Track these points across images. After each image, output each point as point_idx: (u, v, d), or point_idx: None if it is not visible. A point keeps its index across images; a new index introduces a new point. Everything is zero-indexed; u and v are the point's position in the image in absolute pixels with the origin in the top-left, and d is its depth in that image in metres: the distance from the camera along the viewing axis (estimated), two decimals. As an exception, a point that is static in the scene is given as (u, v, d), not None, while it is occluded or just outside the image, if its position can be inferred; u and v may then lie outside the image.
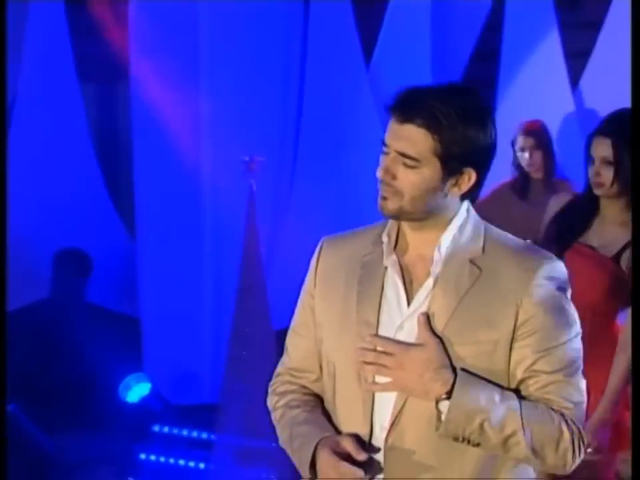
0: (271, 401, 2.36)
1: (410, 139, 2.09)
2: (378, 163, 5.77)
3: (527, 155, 5.53)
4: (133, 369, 5.68)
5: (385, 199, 2.13)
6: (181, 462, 5.51)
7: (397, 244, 2.20)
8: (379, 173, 2.14)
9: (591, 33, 6.41)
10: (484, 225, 2.22)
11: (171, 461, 5.50)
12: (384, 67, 6.67)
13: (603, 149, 3.44)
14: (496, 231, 2.26)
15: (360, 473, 2.07)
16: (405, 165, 2.10)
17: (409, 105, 2.10)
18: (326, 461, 2.11)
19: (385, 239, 2.19)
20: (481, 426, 2.06)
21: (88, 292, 5.78)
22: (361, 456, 2.08)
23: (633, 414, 3.12)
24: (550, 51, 6.46)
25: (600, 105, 6.05)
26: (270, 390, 2.37)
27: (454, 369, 2.07)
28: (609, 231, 3.57)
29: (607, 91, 6.31)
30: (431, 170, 2.10)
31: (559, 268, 2.20)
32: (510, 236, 2.30)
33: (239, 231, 5.81)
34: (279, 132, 6.49)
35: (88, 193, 6.13)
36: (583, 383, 2.17)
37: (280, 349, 4.80)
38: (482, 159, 2.16)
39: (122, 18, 6.21)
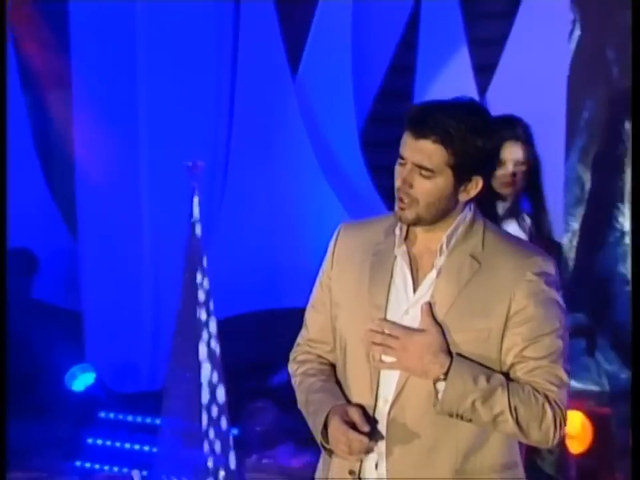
0: (291, 368, 2.54)
1: (426, 152, 2.24)
2: (302, 166, 5.94)
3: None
4: (77, 360, 5.89)
5: (403, 209, 2.29)
6: (127, 445, 5.67)
7: (407, 236, 2.35)
8: (398, 183, 2.28)
9: (497, 49, 6.62)
10: (484, 223, 2.37)
11: (117, 444, 5.67)
12: (309, 78, 6.90)
13: (515, 151, 3.65)
14: (495, 228, 2.44)
15: (365, 440, 2.23)
16: (421, 175, 2.25)
17: (424, 123, 2.25)
18: (336, 428, 2.27)
19: (397, 231, 2.33)
20: (473, 405, 2.20)
21: (34, 289, 5.96)
22: (365, 428, 2.23)
23: (633, 414, 3.25)
24: (460, 64, 6.72)
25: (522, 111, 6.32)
26: (291, 358, 2.55)
27: (451, 354, 2.21)
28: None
29: (511, 101, 6.37)
30: (444, 179, 2.27)
31: (550, 265, 2.34)
32: (507, 233, 2.53)
33: (176, 230, 5.89)
34: (211, 137, 6.66)
35: (31, 196, 6.26)
36: (566, 368, 2.29)
37: (222, 337, 5.06)
38: (487, 166, 2.38)
39: (61, 22, 6.25)
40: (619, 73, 7.01)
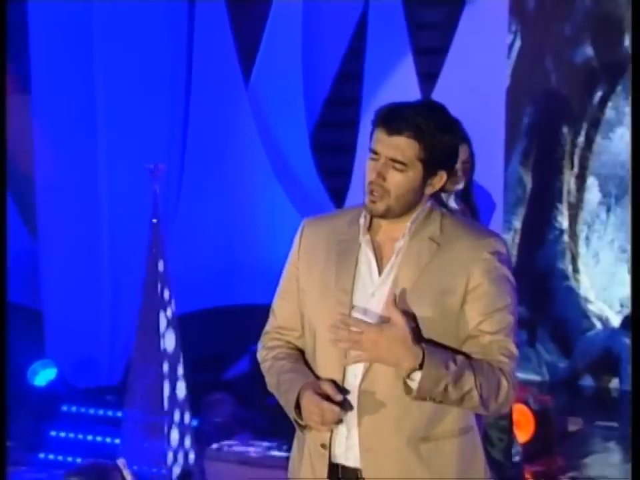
0: (260, 354, 2.65)
1: (399, 147, 2.40)
2: (255, 168, 6.00)
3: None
4: (38, 357, 6.01)
5: (374, 202, 2.42)
6: (89, 437, 5.78)
7: (370, 226, 2.49)
8: (371, 176, 2.43)
9: (440, 57, 6.95)
10: (440, 210, 2.53)
11: (80, 436, 5.78)
12: (261, 85, 7.19)
13: (463, 151, 3.82)
14: (451, 215, 2.60)
15: (337, 409, 2.35)
16: (394, 169, 2.40)
17: (398, 120, 2.40)
18: (309, 400, 2.40)
19: (362, 221, 2.47)
20: (446, 389, 2.34)
21: (-6, 288, 6.04)
22: (338, 397, 2.36)
23: (633, 414, 3.32)
24: (405, 72, 7.00)
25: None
26: (260, 345, 2.67)
27: (421, 343, 2.33)
28: None
29: (453, 108, 6.90)
30: (415, 172, 2.42)
31: (502, 245, 2.51)
32: (463, 219, 2.71)
33: (134, 229, 6.13)
34: (167, 141, 6.80)
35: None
36: (516, 342, 2.45)
37: (181, 334, 5.21)
38: (451, 162, 2.52)
39: (19, 27, 6.31)
40: (557, 80, 7.45)
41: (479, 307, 2.40)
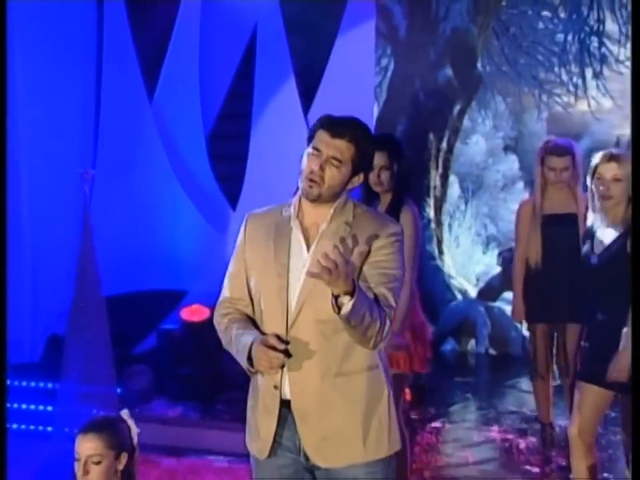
0: (216, 319, 2.93)
1: (339, 148, 2.71)
2: (160, 174, 6.27)
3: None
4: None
5: (311, 187, 2.73)
6: (32, 407, 5.99)
7: (298, 213, 2.80)
8: (313, 167, 2.71)
9: (317, 78, 7.32)
10: (353, 202, 2.84)
11: (23, 406, 6.00)
12: (163, 102, 7.46)
13: (382, 159, 3.99)
14: (361, 205, 2.89)
15: (281, 355, 2.65)
16: (332, 164, 2.71)
17: (341, 126, 2.72)
18: (258, 350, 2.68)
19: (291, 209, 2.80)
20: (364, 316, 2.62)
21: None
22: (281, 346, 2.66)
23: (634, 414, 3.34)
24: (288, 91, 7.38)
25: None
26: (215, 313, 2.94)
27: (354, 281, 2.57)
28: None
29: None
30: (346, 170, 2.74)
31: (399, 230, 2.83)
32: (369, 208, 2.97)
33: (57, 226, 6.51)
34: (79, 152, 7.01)
35: None
36: (396, 299, 2.76)
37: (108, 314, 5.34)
38: (369, 167, 2.88)
39: None
40: (424, 96, 7.84)
41: (377, 266, 2.74)
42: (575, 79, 7.37)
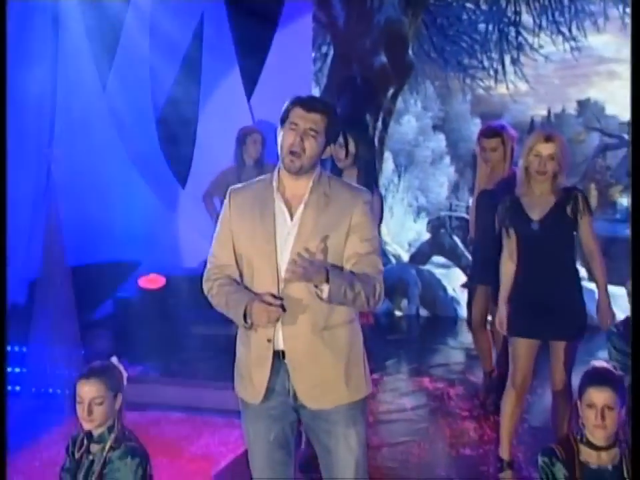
0: (206, 285, 3.07)
1: (315, 120, 2.88)
2: (114, 156, 6.55)
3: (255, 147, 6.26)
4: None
5: (293, 161, 2.89)
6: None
7: (280, 187, 2.96)
8: (293, 140, 2.86)
9: (259, 68, 7.57)
10: (327, 174, 3.02)
11: None
12: (115, 91, 7.41)
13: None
14: (333, 177, 3.08)
15: (279, 309, 2.84)
16: (310, 135, 2.86)
17: (314, 102, 2.92)
18: (257, 306, 2.85)
19: (274, 183, 2.95)
20: (345, 293, 2.83)
21: None
22: (277, 302, 2.84)
23: (633, 413, 3.31)
24: (233, 78, 7.60)
25: (266, 116, 7.12)
26: (205, 278, 3.08)
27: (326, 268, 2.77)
28: None
29: (269, 105, 7.23)
30: (321, 140, 2.90)
31: (369, 196, 3.01)
32: (341, 179, 3.19)
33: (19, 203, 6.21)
34: (36, 140, 6.79)
35: None
36: (382, 260, 2.97)
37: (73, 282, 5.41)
38: (336, 138, 3.04)
39: None
40: (361, 80, 8.07)
41: (359, 237, 2.94)
42: (495, 65, 7.74)
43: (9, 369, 6.02)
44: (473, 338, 5.66)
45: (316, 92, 7.95)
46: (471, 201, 5.63)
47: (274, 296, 2.89)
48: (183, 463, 3.57)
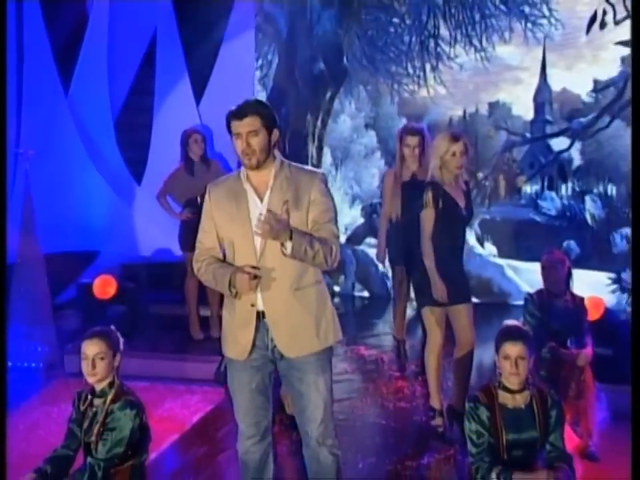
0: (196, 265, 3.34)
1: (250, 123, 3.13)
2: (74, 155, 7.05)
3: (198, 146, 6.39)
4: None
5: (249, 160, 3.15)
6: None
7: (248, 179, 3.24)
8: (242, 146, 3.12)
9: (206, 76, 7.95)
10: (287, 162, 3.27)
11: None
12: (78, 95, 7.83)
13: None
14: (293, 163, 3.32)
15: (259, 279, 3.13)
16: (252, 136, 3.11)
17: (242, 110, 3.14)
18: (240, 277, 3.14)
19: (242, 176, 3.24)
20: (305, 250, 3.10)
21: None
22: (258, 272, 3.15)
23: (633, 413, 3.42)
24: (183, 85, 7.94)
25: (214, 118, 6.94)
26: (194, 260, 3.36)
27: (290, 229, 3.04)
28: None
29: (218, 108, 7.24)
30: (263, 134, 3.15)
31: (322, 174, 3.30)
32: (297, 164, 3.34)
33: None
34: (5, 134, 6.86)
35: None
36: (338, 227, 3.23)
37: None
38: (276, 124, 3.22)
39: None
40: (302, 84, 8.19)
41: (318, 209, 3.24)
42: (417, 72, 8.04)
43: None
44: (394, 312, 6.12)
45: (263, 95, 8.23)
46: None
47: (252, 267, 3.18)
48: (151, 424, 3.71)
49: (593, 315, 5.30)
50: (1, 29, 5.58)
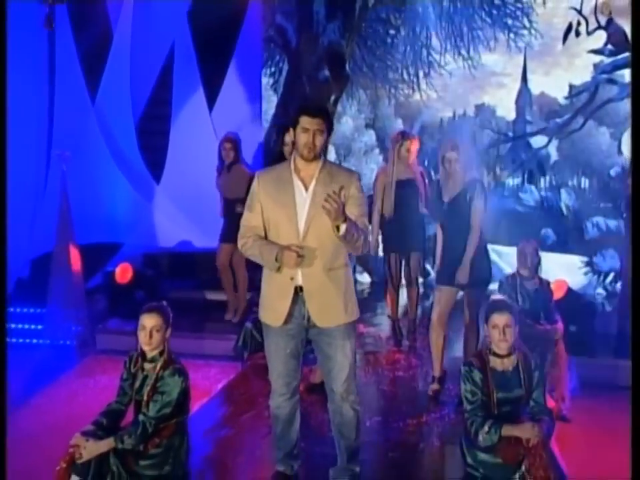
0: (241, 241, 3.57)
1: (320, 123, 3.41)
2: (100, 158, 7.54)
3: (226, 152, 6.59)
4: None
5: (310, 152, 3.41)
6: (26, 326, 6.69)
7: (295, 170, 3.48)
8: (307, 139, 3.38)
9: (218, 88, 8.26)
10: (328, 160, 3.52)
11: (19, 326, 6.66)
12: (104, 104, 8.14)
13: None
14: (333, 162, 3.64)
15: (302, 257, 3.39)
16: (318, 134, 3.40)
17: (315, 110, 3.42)
18: (287, 253, 3.41)
19: (292, 166, 3.47)
20: (353, 234, 3.34)
21: None
22: (301, 251, 3.40)
23: (633, 413, 3.49)
24: (198, 96, 8.29)
25: (224, 126, 7.73)
26: (240, 236, 3.58)
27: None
28: None
29: (229, 117, 8.13)
30: (324, 135, 3.44)
31: (358, 174, 3.55)
32: (336, 163, 3.85)
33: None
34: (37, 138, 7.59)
35: None
36: (368, 220, 3.50)
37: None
38: (332, 130, 3.53)
39: None
40: (309, 89, 8.71)
41: (355, 204, 3.51)
42: (412, 78, 8.72)
43: (30, 326, 6.80)
44: (389, 294, 6.50)
45: (274, 99, 8.74)
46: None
47: (297, 246, 3.47)
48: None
49: (557, 294, 5.65)
50: (1, 29, 5.54)
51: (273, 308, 3.57)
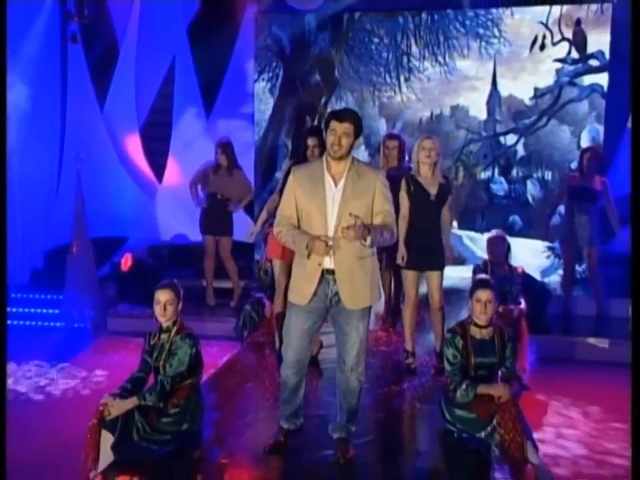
0: (277, 229, 3.73)
1: (346, 128, 3.56)
2: (109, 160, 7.98)
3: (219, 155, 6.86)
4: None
5: (336, 151, 3.56)
6: (44, 311, 7.03)
7: (327, 167, 3.64)
8: (334, 141, 3.55)
9: (215, 97, 8.46)
10: (357, 159, 3.66)
11: (38, 311, 7.00)
12: (111, 111, 8.39)
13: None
14: (362, 160, 3.75)
15: (330, 246, 3.55)
16: (344, 137, 3.55)
17: (344, 115, 3.57)
18: (318, 242, 3.56)
19: (324, 164, 3.63)
20: (377, 239, 3.55)
21: None
22: (330, 241, 3.57)
23: (633, 414, 3.52)
24: (196, 106, 8.52)
25: (219, 131, 8.15)
26: (275, 224, 3.75)
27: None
28: None
29: (222, 126, 8.42)
30: (351, 138, 3.59)
31: (384, 172, 3.83)
32: (364, 161, 3.76)
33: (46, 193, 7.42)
34: (51, 143, 7.81)
35: None
36: (394, 214, 3.65)
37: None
38: (361, 134, 3.67)
39: None
40: (303, 92, 8.85)
41: (382, 200, 3.67)
42: (394, 81, 8.86)
43: (48, 310, 7.11)
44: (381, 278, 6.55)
45: (270, 102, 8.82)
46: None
47: (327, 237, 3.65)
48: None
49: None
50: (1, 29, 5.62)
51: (301, 288, 3.75)
